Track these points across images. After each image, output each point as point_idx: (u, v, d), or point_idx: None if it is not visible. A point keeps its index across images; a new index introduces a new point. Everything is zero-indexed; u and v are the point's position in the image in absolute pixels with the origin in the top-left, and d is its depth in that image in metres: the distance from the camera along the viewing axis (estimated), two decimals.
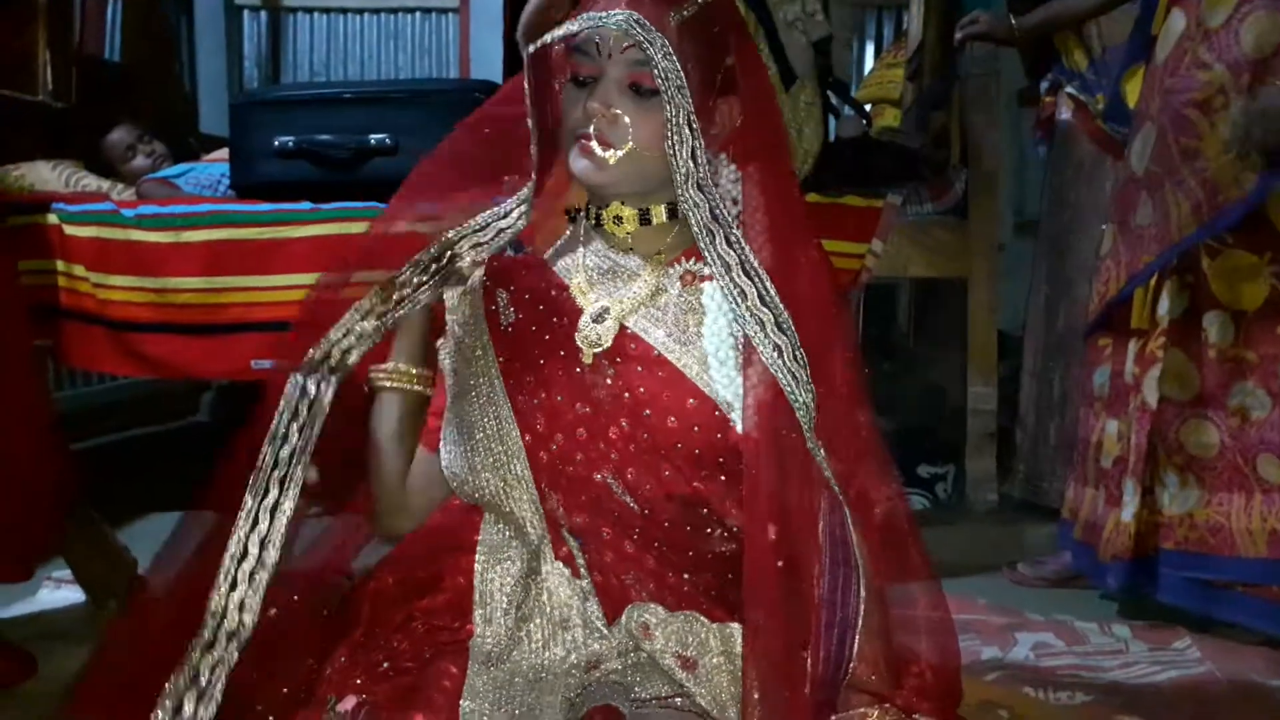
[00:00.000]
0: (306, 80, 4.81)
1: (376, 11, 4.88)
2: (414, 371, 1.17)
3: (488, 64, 3.72)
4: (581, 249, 1.18)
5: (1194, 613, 1.78)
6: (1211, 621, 1.78)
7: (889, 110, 4.18)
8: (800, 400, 1.08)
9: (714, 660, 1.09)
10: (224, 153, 2.62)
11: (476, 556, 1.14)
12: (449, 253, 1.18)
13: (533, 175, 1.17)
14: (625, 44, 1.11)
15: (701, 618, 1.11)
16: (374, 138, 2.40)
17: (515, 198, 1.18)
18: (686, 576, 1.13)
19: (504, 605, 1.10)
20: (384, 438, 1.16)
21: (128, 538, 2.09)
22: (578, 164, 1.12)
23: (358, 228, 2.36)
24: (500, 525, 1.14)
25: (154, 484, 2.65)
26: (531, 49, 1.17)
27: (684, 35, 1.12)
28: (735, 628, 1.10)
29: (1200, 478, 1.76)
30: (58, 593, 1.95)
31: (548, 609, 1.11)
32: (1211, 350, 1.77)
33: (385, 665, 1.01)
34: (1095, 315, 1.99)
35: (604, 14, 1.11)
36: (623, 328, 1.13)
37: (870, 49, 5.15)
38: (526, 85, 1.16)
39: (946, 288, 2.75)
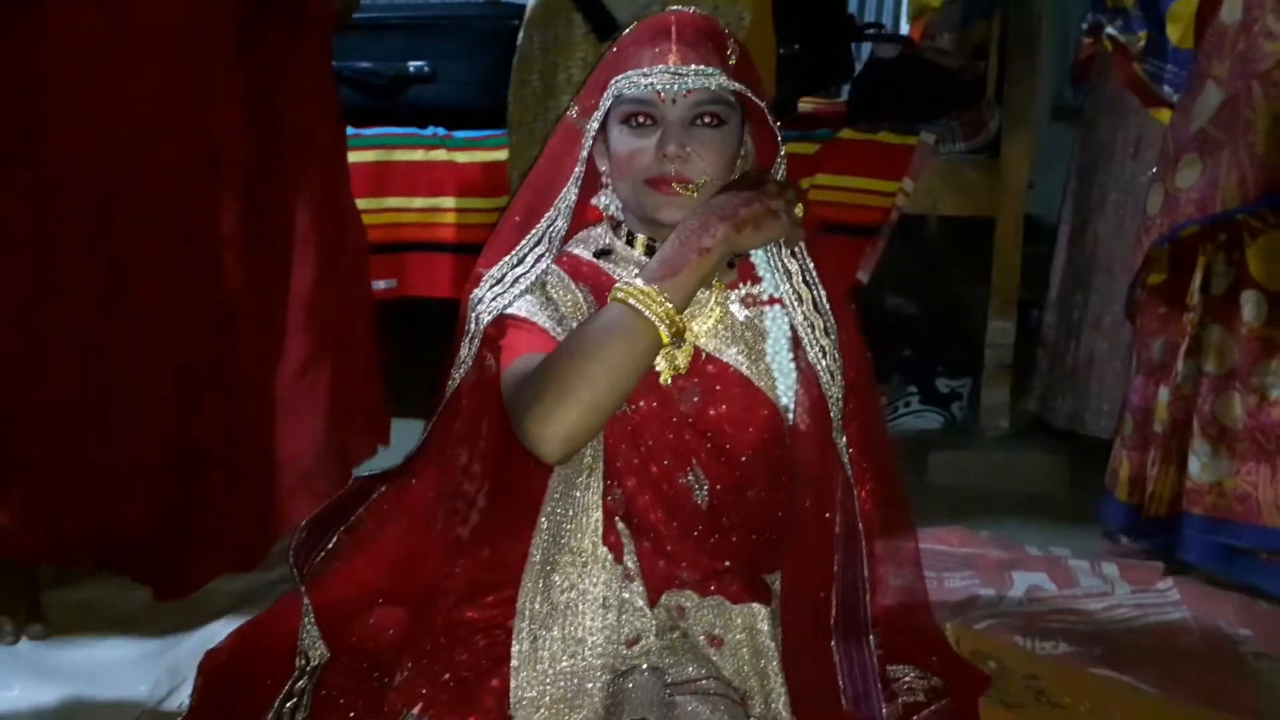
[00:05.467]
0: None
1: None
2: (680, 323, 1.17)
3: None
4: (636, 271, 1.25)
5: (1215, 573, 1.88)
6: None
7: None
8: (833, 395, 1.26)
9: (737, 637, 1.27)
10: None
11: (534, 538, 1.24)
12: (474, 311, 1.28)
13: (561, 217, 1.28)
14: (689, 88, 1.20)
15: (726, 601, 1.28)
16: (413, 65, 2.44)
17: (528, 239, 1.28)
18: (727, 564, 1.30)
19: (542, 585, 1.22)
20: (630, 365, 1.15)
21: None
22: (664, 209, 1.23)
23: (399, 154, 2.44)
24: (560, 508, 1.25)
25: None
26: (607, 105, 1.25)
27: (739, 76, 1.23)
28: (756, 607, 1.28)
29: (1231, 449, 1.83)
30: None
31: (587, 586, 1.22)
32: (1245, 328, 1.82)
33: (447, 677, 1.15)
34: (1134, 268, 2.04)
35: (684, 69, 1.20)
36: (697, 350, 1.26)
37: None
38: (589, 132, 1.25)
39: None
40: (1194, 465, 1.86)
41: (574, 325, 1.24)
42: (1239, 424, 1.83)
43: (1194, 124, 1.88)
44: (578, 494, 1.24)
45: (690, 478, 1.28)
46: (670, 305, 1.14)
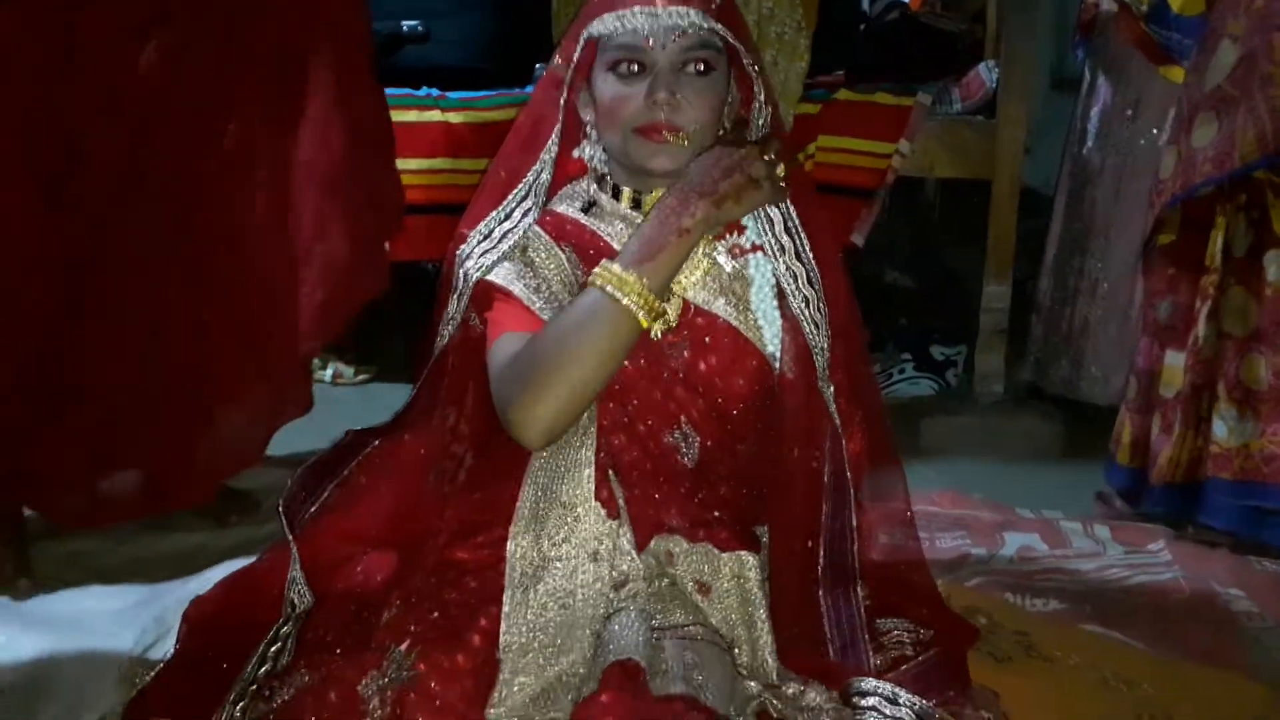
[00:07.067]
0: None
1: None
2: (659, 307, 1.16)
3: None
4: (621, 225, 1.27)
5: (1242, 536, 1.87)
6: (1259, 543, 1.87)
7: None
8: (818, 345, 1.25)
9: (725, 585, 1.27)
10: None
11: (522, 488, 1.25)
12: (462, 269, 1.27)
13: (546, 169, 1.26)
14: (677, 33, 1.18)
15: (714, 549, 1.28)
16: (406, 24, 2.42)
17: (513, 196, 1.27)
18: (716, 515, 1.29)
19: (534, 531, 1.22)
20: (610, 353, 1.14)
21: None
22: (655, 157, 1.21)
23: (394, 115, 2.41)
24: (550, 461, 1.25)
25: None
26: (584, 42, 1.22)
27: (721, 18, 1.20)
28: (744, 555, 1.27)
29: (1256, 410, 1.82)
30: None
31: (579, 539, 1.23)
32: (1269, 289, 1.81)
33: (436, 615, 1.16)
34: (1146, 231, 2.02)
35: (663, 10, 1.18)
36: (686, 303, 1.25)
37: None
38: (568, 80, 1.23)
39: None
40: (1220, 429, 1.85)
41: (555, 289, 1.22)
42: (1263, 385, 1.81)
43: (1209, 83, 1.85)
44: (570, 451, 1.24)
45: (677, 435, 1.27)
46: (649, 292, 1.13)
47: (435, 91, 2.41)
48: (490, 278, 1.23)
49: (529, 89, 2.45)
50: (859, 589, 1.29)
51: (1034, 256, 2.61)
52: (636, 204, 1.28)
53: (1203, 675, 1.46)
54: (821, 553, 1.28)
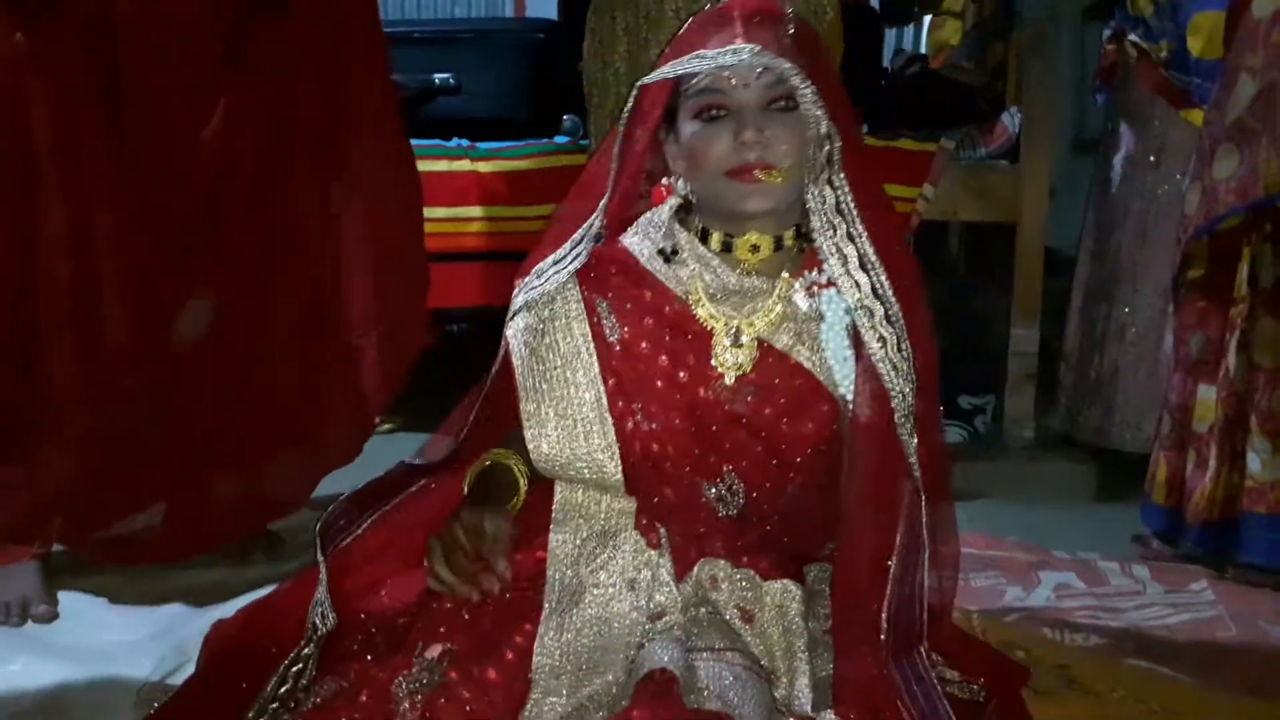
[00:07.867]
0: None
1: None
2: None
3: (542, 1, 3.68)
4: (697, 266, 1.25)
5: None
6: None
7: (951, 22, 4.09)
8: (898, 390, 1.17)
9: (768, 614, 1.22)
10: None
11: (552, 519, 1.23)
12: (515, 296, 1.28)
13: (598, 216, 1.27)
14: (758, 71, 1.17)
15: (756, 576, 1.24)
16: (438, 77, 2.48)
17: (570, 241, 1.26)
18: (759, 548, 1.25)
19: (573, 555, 1.21)
20: None
21: None
22: (748, 199, 1.19)
23: (423, 165, 2.46)
24: (575, 493, 1.24)
25: None
26: (649, 83, 1.22)
27: (794, 54, 1.19)
28: (788, 583, 1.23)
29: None
30: None
31: (618, 567, 1.20)
32: None
33: (468, 619, 1.12)
34: (1174, 267, 2.01)
35: (732, 50, 1.17)
36: (760, 344, 1.22)
37: None
38: (626, 121, 1.24)
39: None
40: (1254, 463, 1.82)
41: (562, 351, 1.23)
42: None
43: (1229, 116, 1.86)
44: (608, 486, 1.23)
45: (720, 486, 1.23)
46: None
47: (465, 142, 2.46)
48: (511, 324, 1.24)
49: (558, 139, 2.50)
50: (923, 650, 1.20)
51: (1058, 314, 2.60)
52: (727, 247, 1.26)
53: (1255, 709, 1.40)
54: (885, 618, 1.17)
